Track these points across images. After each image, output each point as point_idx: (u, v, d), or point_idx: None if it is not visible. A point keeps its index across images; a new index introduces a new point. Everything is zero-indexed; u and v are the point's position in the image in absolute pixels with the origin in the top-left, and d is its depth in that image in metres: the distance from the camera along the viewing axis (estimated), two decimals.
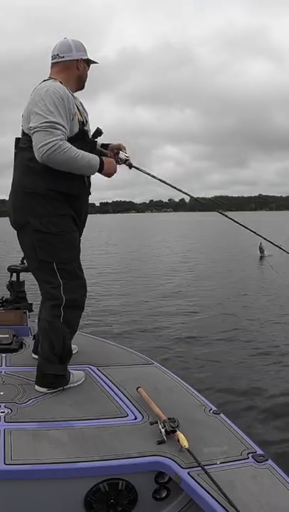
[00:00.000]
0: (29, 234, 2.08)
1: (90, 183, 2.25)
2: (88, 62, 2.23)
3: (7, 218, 2.25)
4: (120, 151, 2.30)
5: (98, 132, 2.24)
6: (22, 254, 2.50)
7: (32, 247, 2.10)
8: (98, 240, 25.95)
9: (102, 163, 2.11)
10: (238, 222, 2.65)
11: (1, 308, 3.40)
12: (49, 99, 1.96)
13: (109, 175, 2.20)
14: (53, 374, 2.07)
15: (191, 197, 2.87)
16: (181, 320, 6.59)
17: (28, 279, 2.97)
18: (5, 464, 1.47)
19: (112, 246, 22.60)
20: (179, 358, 4.74)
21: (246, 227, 2.66)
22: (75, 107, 2.08)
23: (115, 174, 2.23)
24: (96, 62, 2.26)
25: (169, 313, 7.07)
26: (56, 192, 2.05)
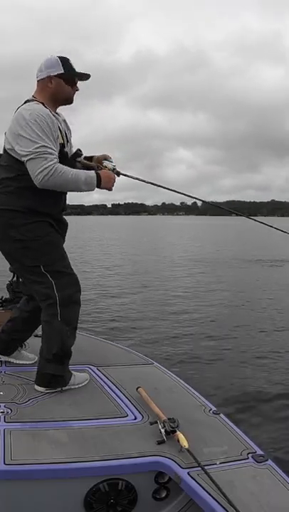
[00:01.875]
0: (9, 245, 2.12)
1: (66, 199, 2.25)
2: (69, 76, 2.11)
3: None
4: (106, 161, 2.26)
5: (77, 154, 2.26)
6: None
7: (16, 256, 2.15)
8: (108, 241, 25.96)
9: (99, 177, 2.09)
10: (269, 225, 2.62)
11: (0, 308, 3.40)
12: (35, 123, 1.96)
13: (109, 188, 2.16)
14: (51, 374, 2.07)
15: (197, 199, 2.85)
16: (182, 320, 6.59)
17: None
18: (5, 464, 1.47)
19: (117, 247, 22.55)
20: (179, 358, 4.73)
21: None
22: (58, 130, 2.08)
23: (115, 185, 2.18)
24: (83, 75, 2.14)
25: (170, 313, 7.07)
26: (33, 210, 2.08)
